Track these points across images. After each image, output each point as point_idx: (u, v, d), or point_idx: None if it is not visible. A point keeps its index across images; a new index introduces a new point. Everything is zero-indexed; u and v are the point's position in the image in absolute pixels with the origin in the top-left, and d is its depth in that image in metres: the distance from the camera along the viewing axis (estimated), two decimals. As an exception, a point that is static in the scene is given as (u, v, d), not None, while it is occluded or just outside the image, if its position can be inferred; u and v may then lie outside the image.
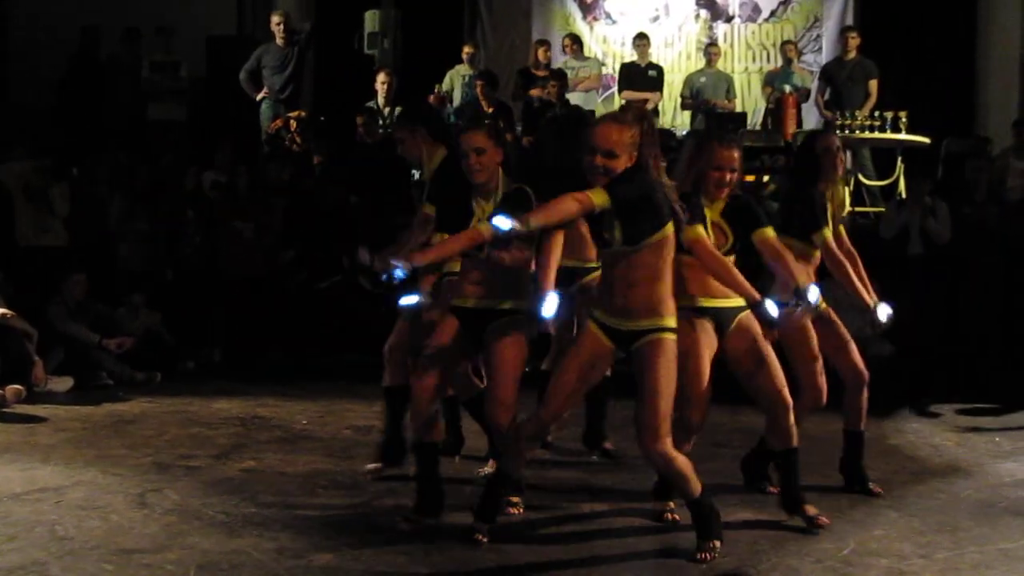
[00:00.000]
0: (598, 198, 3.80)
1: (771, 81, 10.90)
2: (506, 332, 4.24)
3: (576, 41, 11.27)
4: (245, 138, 10.21)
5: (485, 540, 4.16)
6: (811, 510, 4.43)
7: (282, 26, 10.30)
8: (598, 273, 5.64)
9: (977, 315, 7.94)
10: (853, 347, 4.88)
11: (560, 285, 5.64)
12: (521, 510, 4.51)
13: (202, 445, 5.80)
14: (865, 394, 4.93)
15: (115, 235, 8.89)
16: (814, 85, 11.11)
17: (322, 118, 10.32)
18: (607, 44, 12.39)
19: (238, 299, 8.62)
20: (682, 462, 4.03)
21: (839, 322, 4.87)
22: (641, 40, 11.19)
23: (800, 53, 11.81)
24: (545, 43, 11.00)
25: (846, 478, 5.04)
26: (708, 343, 4.30)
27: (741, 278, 4.16)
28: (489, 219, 3.92)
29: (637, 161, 3.91)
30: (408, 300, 4.56)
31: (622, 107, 4.43)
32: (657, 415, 3.90)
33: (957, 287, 8.07)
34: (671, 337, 3.96)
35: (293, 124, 9.80)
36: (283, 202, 9.11)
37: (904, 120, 9.60)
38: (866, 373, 4.89)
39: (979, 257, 8.13)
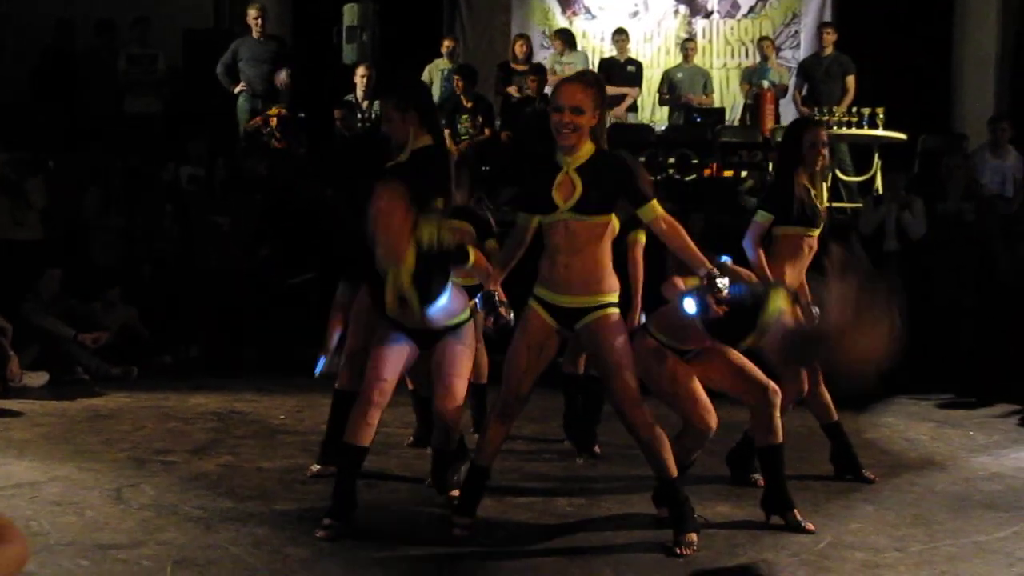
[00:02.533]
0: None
1: (749, 77, 10.94)
2: (455, 339, 4.32)
3: (564, 37, 11.24)
4: (222, 131, 10.15)
5: (465, 534, 4.18)
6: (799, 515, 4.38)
7: (259, 20, 10.24)
8: None
9: (952, 310, 8.00)
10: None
11: None
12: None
13: (179, 440, 5.78)
14: (823, 387, 5.02)
15: (90, 229, 8.83)
16: (791, 81, 11.16)
17: (301, 115, 10.26)
18: (586, 39, 12.39)
19: (215, 293, 8.58)
20: (663, 437, 4.06)
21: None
22: (620, 35, 11.20)
23: (778, 49, 11.85)
24: (524, 37, 10.99)
25: (837, 468, 5.10)
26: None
27: (696, 251, 4.01)
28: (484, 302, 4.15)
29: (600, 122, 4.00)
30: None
31: (579, 72, 4.42)
32: (631, 386, 3.98)
33: (932, 282, 8.13)
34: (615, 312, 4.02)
35: (273, 121, 9.75)
36: (260, 196, 9.07)
37: (881, 116, 9.66)
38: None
39: (954, 252, 8.19)
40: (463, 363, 4.34)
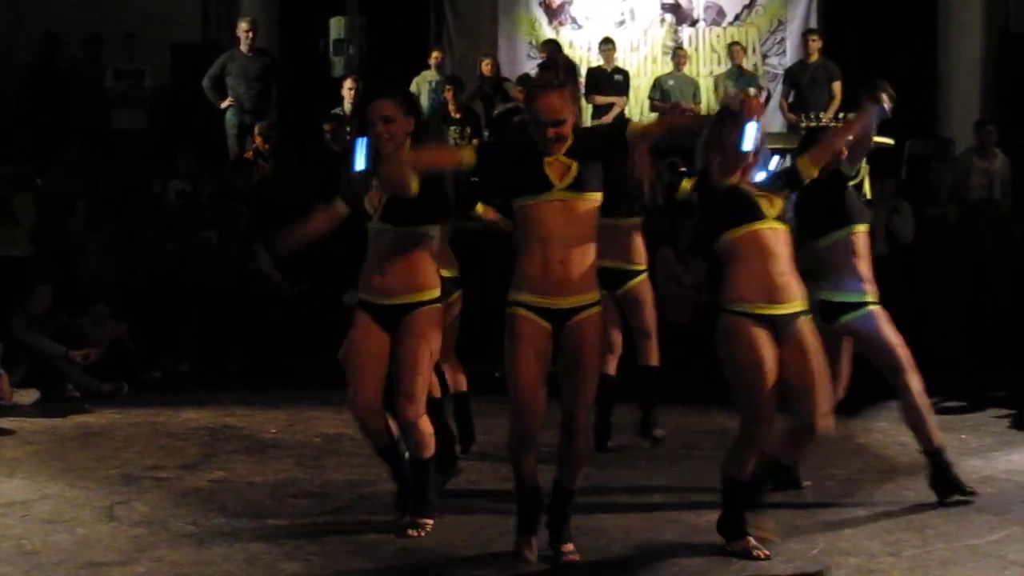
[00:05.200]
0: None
1: (724, 84, 10.91)
2: (418, 327, 4.22)
3: (550, 48, 11.24)
4: (209, 146, 10.13)
5: (533, 557, 4.00)
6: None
7: (250, 34, 10.23)
8: (644, 277, 5.83)
9: (941, 314, 8.02)
10: None
11: (606, 287, 5.83)
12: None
13: (170, 456, 5.76)
14: None
15: (79, 245, 8.80)
16: (777, 88, 11.18)
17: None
18: (573, 49, 12.38)
19: (205, 308, 8.56)
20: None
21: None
22: (607, 45, 11.22)
23: (764, 56, 11.91)
24: (490, 56, 11.04)
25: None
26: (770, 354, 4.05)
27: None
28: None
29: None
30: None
31: (545, 65, 4.20)
32: (594, 390, 3.97)
33: (921, 286, 8.15)
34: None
35: (259, 140, 9.71)
36: (248, 210, 9.05)
37: (868, 121, 9.68)
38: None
39: (942, 256, 8.21)
40: (422, 360, 4.23)
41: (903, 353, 4.77)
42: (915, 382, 4.76)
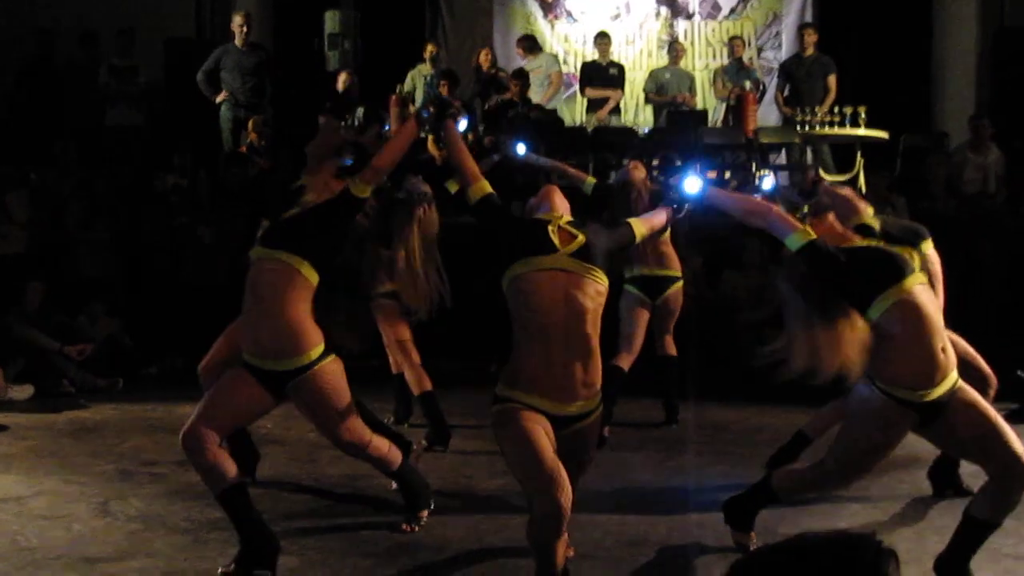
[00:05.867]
0: None
1: (723, 78, 10.92)
2: (314, 388, 3.90)
3: (525, 44, 11.26)
4: (205, 142, 10.12)
5: (572, 552, 3.82)
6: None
7: (244, 28, 10.21)
8: (680, 285, 6.05)
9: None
10: None
11: (648, 294, 5.92)
12: None
13: (165, 452, 5.75)
14: None
15: (74, 242, 8.80)
16: (772, 82, 11.18)
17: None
18: (568, 43, 12.41)
19: (200, 304, 8.54)
20: None
21: None
22: (602, 39, 11.22)
23: (759, 50, 11.90)
24: (487, 47, 11.04)
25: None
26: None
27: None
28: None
29: None
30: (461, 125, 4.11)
31: (519, 72, 4.04)
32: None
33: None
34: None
35: (254, 135, 9.70)
36: (245, 206, 9.04)
37: (863, 115, 9.70)
38: None
39: (937, 250, 8.21)
40: (335, 417, 3.96)
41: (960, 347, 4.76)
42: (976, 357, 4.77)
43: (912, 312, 3.57)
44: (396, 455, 4.31)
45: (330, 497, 4.88)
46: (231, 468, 3.80)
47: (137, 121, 10.55)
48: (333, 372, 3.91)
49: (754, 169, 9.40)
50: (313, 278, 3.86)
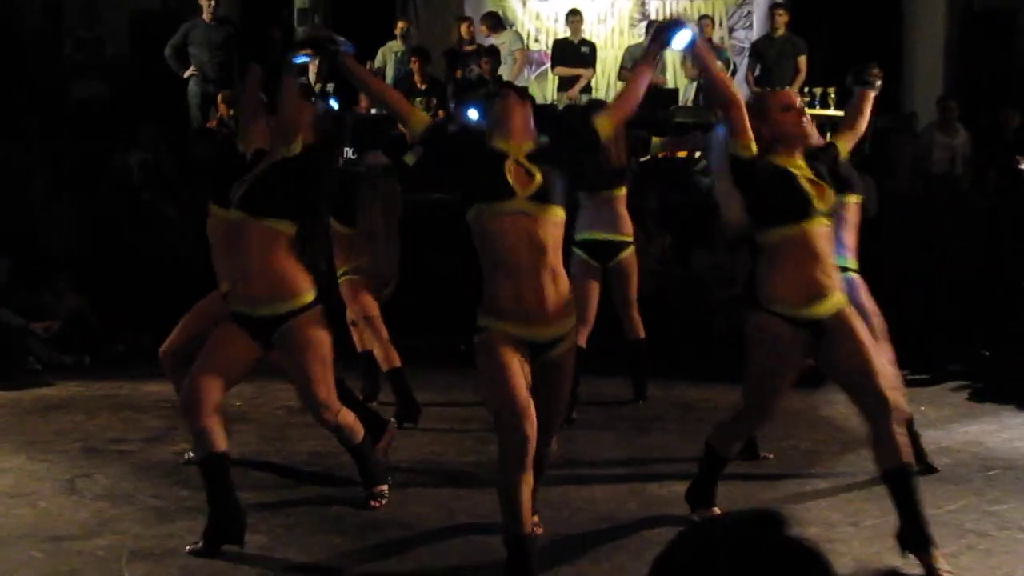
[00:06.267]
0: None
1: (688, 57, 10.93)
2: (301, 334, 3.95)
3: (488, 20, 11.19)
4: (171, 117, 10.01)
5: (540, 530, 3.89)
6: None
7: (212, 2, 10.09)
8: (632, 249, 6.01)
9: (902, 289, 8.09)
10: None
11: (597, 259, 5.90)
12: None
13: (133, 429, 5.72)
14: None
15: (39, 218, 8.68)
16: (743, 62, 11.20)
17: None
18: (540, 20, 12.35)
19: (166, 281, 8.47)
20: None
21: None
22: (574, 16, 11.18)
23: (731, 30, 11.90)
24: (467, 20, 10.95)
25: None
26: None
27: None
28: None
29: None
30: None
31: (508, 91, 3.85)
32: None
33: (883, 260, 8.21)
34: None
35: (224, 108, 9.60)
36: (211, 182, 8.95)
37: (833, 96, 9.73)
38: None
39: (904, 230, 8.28)
40: (317, 371, 4.00)
41: (878, 322, 4.81)
42: (888, 351, 4.81)
43: (799, 248, 3.78)
44: (360, 429, 4.32)
45: (299, 475, 4.87)
46: (221, 437, 3.84)
47: (102, 94, 10.42)
48: (321, 322, 4.01)
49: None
50: (293, 230, 3.97)
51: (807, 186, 3.84)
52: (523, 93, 3.90)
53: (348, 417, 4.26)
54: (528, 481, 3.45)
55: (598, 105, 5.60)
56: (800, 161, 3.92)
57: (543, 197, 3.53)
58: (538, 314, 3.49)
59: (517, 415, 3.37)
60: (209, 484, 3.86)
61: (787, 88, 3.90)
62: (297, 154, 4.03)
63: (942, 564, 3.65)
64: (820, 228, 3.81)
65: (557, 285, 3.53)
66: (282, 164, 4.02)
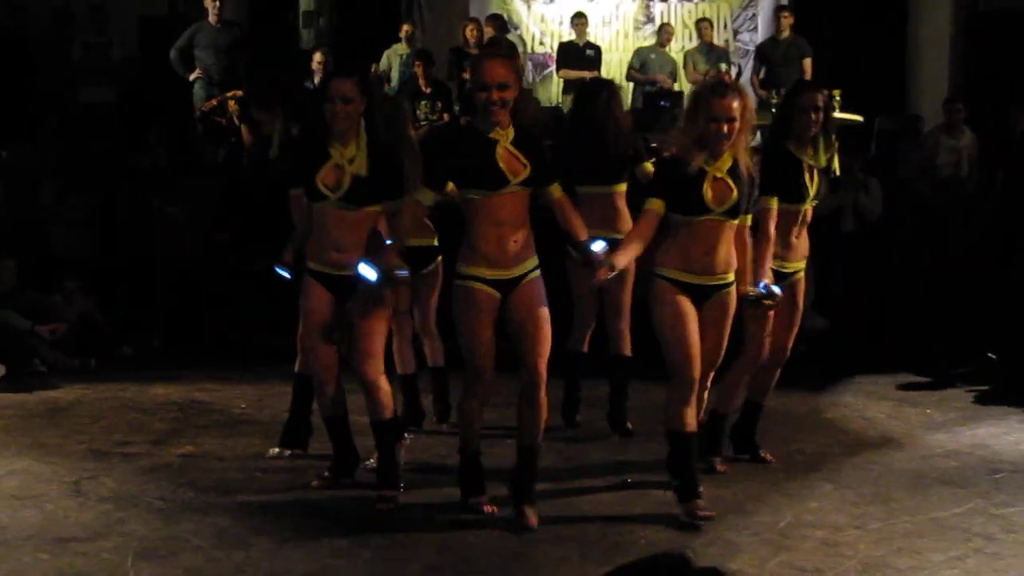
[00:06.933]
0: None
1: (694, 60, 10.92)
2: (366, 295, 4.33)
3: (494, 22, 11.19)
4: (178, 120, 10.04)
5: (494, 509, 4.29)
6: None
7: (217, 4, 10.11)
8: None
9: (908, 290, 8.09)
10: (795, 331, 4.95)
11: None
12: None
13: (139, 431, 5.73)
14: (777, 373, 5.06)
15: (47, 220, 8.71)
16: (748, 64, 11.19)
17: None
18: (545, 23, 12.36)
19: (173, 283, 8.50)
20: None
21: (799, 305, 4.92)
22: (579, 19, 11.18)
23: (736, 32, 11.91)
24: (474, 21, 10.96)
25: (736, 445, 5.13)
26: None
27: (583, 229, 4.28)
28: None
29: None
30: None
31: (492, 40, 4.56)
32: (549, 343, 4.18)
33: (889, 263, 8.21)
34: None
35: (232, 104, 9.61)
36: (217, 184, 8.98)
37: (838, 98, 9.71)
38: (787, 354, 5.00)
39: (910, 233, 8.28)
40: (377, 322, 4.35)
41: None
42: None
43: (690, 235, 4.22)
44: (390, 405, 4.48)
45: (305, 476, 4.87)
46: (340, 399, 4.60)
47: (110, 98, 10.45)
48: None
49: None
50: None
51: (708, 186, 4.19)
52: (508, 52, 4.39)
53: (386, 386, 4.44)
54: (480, 419, 4.36)
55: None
56: (721, 163, 4.20)
57: (531, 182, 4.06)
58: (510, 258, 4.06)
59: (481, 371, 4.20)
60: (333, 436, 4.67)
61: (726, 98, 4.11)
62: None
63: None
64: (712, 223, 4.21)
65: (527, 230, 4.14)
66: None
